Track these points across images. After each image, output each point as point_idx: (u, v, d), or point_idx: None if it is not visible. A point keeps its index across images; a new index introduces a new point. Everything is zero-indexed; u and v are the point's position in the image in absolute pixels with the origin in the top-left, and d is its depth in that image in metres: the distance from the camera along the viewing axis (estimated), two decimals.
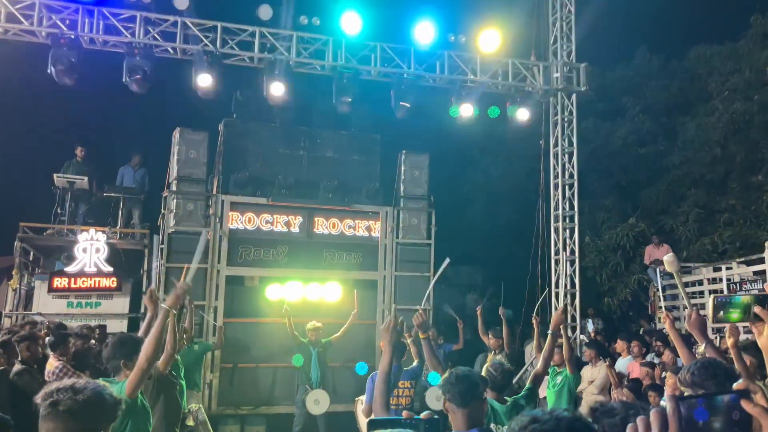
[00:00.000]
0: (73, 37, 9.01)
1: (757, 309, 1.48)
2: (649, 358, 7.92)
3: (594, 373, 7.58)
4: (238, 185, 9.96)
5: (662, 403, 1.05)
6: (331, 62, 10.06)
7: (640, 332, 10.83)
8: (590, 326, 11.69)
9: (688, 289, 11.58)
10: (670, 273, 12.14)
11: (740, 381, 1.11)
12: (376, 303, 10.29)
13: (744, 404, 1.03)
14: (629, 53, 17.27)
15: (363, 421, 6.51)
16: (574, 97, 11.31)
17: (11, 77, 11.67)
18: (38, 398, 1.97)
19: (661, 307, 12.12)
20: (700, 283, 11.32)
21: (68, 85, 9.11)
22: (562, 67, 11.12)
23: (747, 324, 1.70)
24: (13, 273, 10.58)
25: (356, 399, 7.60)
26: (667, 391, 1.21)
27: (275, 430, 9.27)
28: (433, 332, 9.56)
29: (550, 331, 4.91)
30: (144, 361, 3.35)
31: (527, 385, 4.70)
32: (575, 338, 10.63)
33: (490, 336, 8.44)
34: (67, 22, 9.13)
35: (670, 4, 17.53)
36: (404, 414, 1.57)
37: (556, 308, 10.93)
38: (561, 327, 5.37)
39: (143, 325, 4.28)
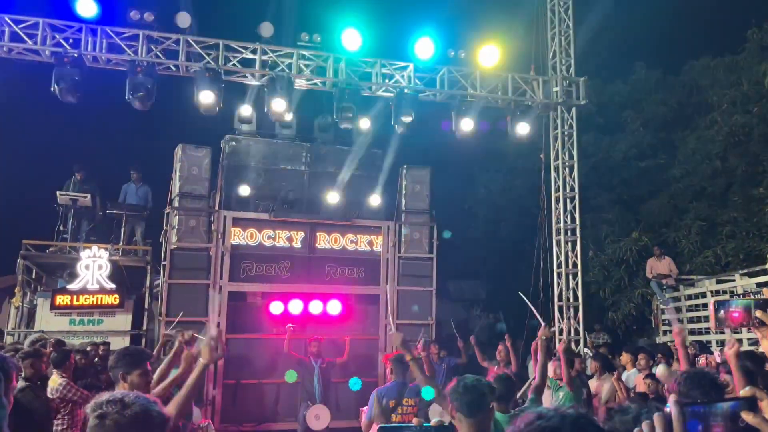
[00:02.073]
0: (76, 55, 9.10)
1: (758, 313, 1.48)
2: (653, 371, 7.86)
3: (598, 387, 7.52)
4: (240, 201, 10.00)
5: (666, 409, 1.06)
6: (332, 78, 10.13)
7: (642, 346, 10.77)
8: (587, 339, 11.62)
9: (692, 302, 11.55)
10: (673, 286, 12.16)
11: (747, 388, 1.11)
12: (379, 318, 10.26)
13: (744, 415, 1.03)
14: (628, 68, 17.39)
15: None
16: (573, 110, 11.37)
17: (15, 96, 11.77)
18: (87, 408, 1.96)
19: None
20: (704, 295, 11.28)
21: (72, 103, 9.18)
22: (562, 81, 11.19)
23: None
24: (16, 291, 10.57)
25: (361, 409, 7.49)
26: (672, 397, 1.21)
27: None
28: (435, 347, 9.53)
29: (540, 354, 4.97)
30: (174, 412, 3.22)
31: (530, 396, 4.70)
32: (579, 351, 10.57)
33: (499, 348, 8.38)
34: (71, 40, 9.22)
35: (668, 19, 17.69)
36: (414, 421, 1.56)
37: (560, 321, 10.90)
38: (560, 349, 5.37)
39: (167, 379, 4.35)
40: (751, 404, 1.05)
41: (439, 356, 9.39)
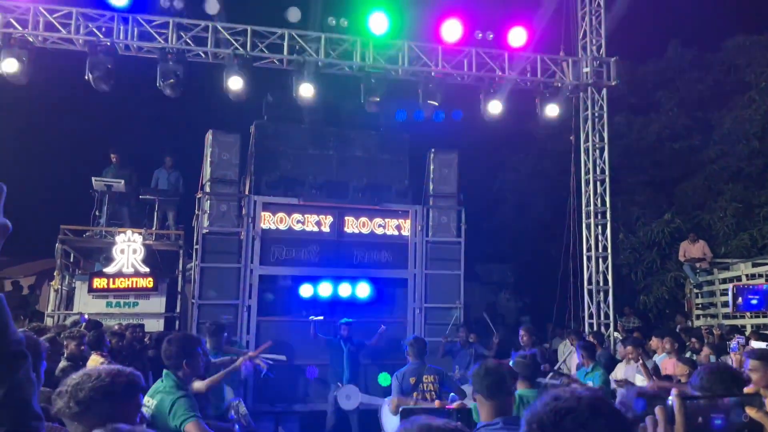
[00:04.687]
0: (109, 44, 9.27)
1: None
2: (686, 356, 7.76)
3: (628, 371, 7.45)
4: (270, 186, 10.11)
5: (668, 401, 1.08)
6: (359, 62, 10.12)
7: (677, 329, 10.63)
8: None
9: (726, 286, 11.32)
10: (707, 269, 11.91)
11: (752, 385, 1.13)
12: (407, 302, 10.33)
13: (748, 410, 1.05)
14: (662, 46, 16.95)
15: (387, 422, 6.59)
16: (604, 91, 11.17)
17: (50, 84, 12.05)
18: None
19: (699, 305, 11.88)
20: (738, 279, 11.05)
21: (105, 90, 9.37)
22: (592, 61, 10.99)
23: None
24: (55, 274, 10.92)
25: (383, 403, 7.46)
26: (673, 390, 1.21)
27: (309, 427, 9.37)
28: (464, 331, 9.54)
29: None
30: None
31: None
32: (609, 335, 10.50)
33: (522, 333, 8.38)
34: (103, 29, 9.39)
35: None
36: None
37: (589, 306, 10.82)
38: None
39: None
40: (755, 400, 1.06)
41: (468, 341, 9.39)
